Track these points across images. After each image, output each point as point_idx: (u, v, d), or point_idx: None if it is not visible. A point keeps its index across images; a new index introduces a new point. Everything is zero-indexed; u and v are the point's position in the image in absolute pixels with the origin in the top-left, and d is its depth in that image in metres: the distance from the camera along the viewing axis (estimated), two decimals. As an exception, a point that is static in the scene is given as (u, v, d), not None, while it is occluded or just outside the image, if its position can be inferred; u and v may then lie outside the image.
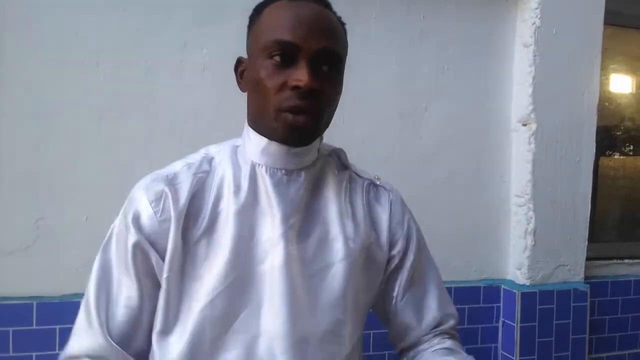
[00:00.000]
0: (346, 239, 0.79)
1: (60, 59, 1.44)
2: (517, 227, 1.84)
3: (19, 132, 1.42)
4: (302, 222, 0.78)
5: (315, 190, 0.81)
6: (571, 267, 1.86)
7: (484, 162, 1.83)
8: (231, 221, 0.75)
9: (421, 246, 0.91)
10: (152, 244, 0.74)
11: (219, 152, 0.82)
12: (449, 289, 1.75)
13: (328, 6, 0.79)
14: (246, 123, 0.81)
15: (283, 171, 0.78)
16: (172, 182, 0.76)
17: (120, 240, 0.76)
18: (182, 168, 0.79)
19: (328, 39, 0.73)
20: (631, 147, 2.29)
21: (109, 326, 0.74)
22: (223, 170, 0.79)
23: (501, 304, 1.84)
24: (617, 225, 2.27)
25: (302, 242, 0.77)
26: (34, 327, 1.41)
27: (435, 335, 0.89)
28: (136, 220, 0.75)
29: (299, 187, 0.78)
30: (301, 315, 0.75)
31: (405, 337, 0.89)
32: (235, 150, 0.81)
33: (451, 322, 0.91)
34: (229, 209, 0.75)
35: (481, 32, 1.81)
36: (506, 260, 1.87)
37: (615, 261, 2.02)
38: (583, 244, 1.87)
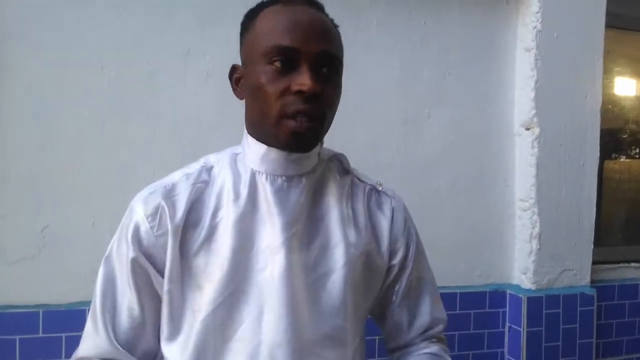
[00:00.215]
0: (347, 245, 0.79)
1: (64, 64, 1.45)
2: (522, 232, 1.83)
3: (23, 139, 1.44)
4: (304, 229, 0.77)
5: (316, 195, 0.81)
6: (577, 272, 1.85)
7: (487, 167, 1.83)
8: (230, 230, 0.75)
9: (420, 252, 0.91)
10: (150, 258, 0.75)
11: (219, 161, 0.81)
12: (454, 294, 1.77)
13: (321, 9, 0.78)
14: (245, 130, 0.80)
15: (283, 178, 0.77)
16: (169, 194, 0.76)
17: (121, 252, 0.77)
18: (181, 178, 0.79)
19: (326, 42, 0.73)
20: (637, 150, 2.28)
21: (115, 332, 0.76)
22: (223, 179, 0.78)
23: (507, 309, 1.83)
24: (623, 228, 2.25)
25: (304, 250, 0.76)
26: (40, 335, 1.41)
27: (423, 340, 0.89)
28: (134, 235, 0.75)
29: (299, 194, 0.78)
30: (302, 322, 0.75)
31: (395, 339, 0.91)
32: (235, 159, 0.81)
33: (440, 327, 0.91)
34: (228, 217, 0.75)
35: (483, 36, 1.82)
36: (511, 265, 1.86)
37: (621, 265, 2.01)
38: (589, 247, 1.86)
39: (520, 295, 1.77)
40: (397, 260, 0.86)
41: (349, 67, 1.70)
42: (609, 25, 1.88)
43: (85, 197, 1.47)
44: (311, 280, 0.76)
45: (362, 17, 1.68)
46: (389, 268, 0.86)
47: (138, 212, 0.76)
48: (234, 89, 0.81)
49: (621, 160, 2.26)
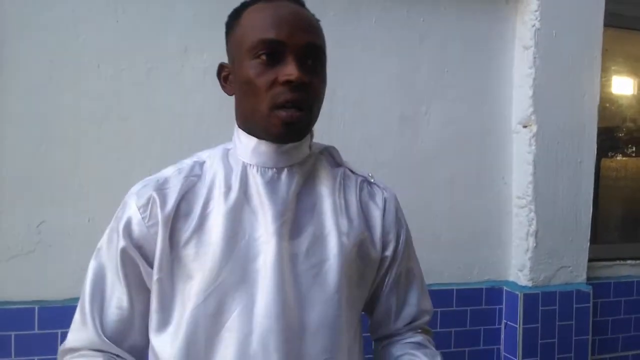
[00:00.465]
0: (340, 234, 0.80)
1: (61, 62, 1.44)
2: (519, 229, 1.84)
3: (20, 136, 1.43)
4: (295, 218, 0.79)
5: (308, 186, 0.82)
6: (573, 269, 1.85)
7: (484, 164, 1.83)
8: (221, 221, 0.76)
9: (409, 244, 0.92)
10: (140, 249, 0.77)
11: (210, 156, 0.83)
12: (450, 291, 1.78)
13: (302, 4, 0.82)
14: (236, 125, 0.83)
15: (274, 170, 0.79)
16: (161, 187, 0.78)
17: (112, 244, 0.79)
18: (173, 173, 0.81)
19: (310, 34, 0.76)
20: (633, 149, 2.28)
21: (103, 325, 0.78)
22: (214, 173, 0.80)
23: (503, 306, 1.83)
24: (620, 226, 2.27)
25: (296, 238, 0.77)
26: (36, 331, 1.41)
27: (409, 330, 0.91)
28: (126, 226, 0.77)
29: (290, 184, 0.79)
30: (294, 310, 0.76)
31: (381, 328, 0.92)
32: (226, 154, 0.83)
33: (425, 318, 0.93)
34: (219, 209, 0.77)
35: (481, 34, 1.81)
36: (508, 262, 1.87)
37: (617, 262, 2.02)
38: (585, 245, 1.87)
39: (517, 292, 1.78)
40: (389, 251, 0.87)
41: (347, 64, 1.72)
42: (608, 24, 1.89)
43: (81, 194, 1.46)
44: (304, 269, 0.77)
45: (360, 14, 1.67)
46: (382, 259, 0.87)
47: (130, 204, 0.78)
48: (222, 87, 0.83)
49: (618, 158, 2.27)
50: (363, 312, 0.92)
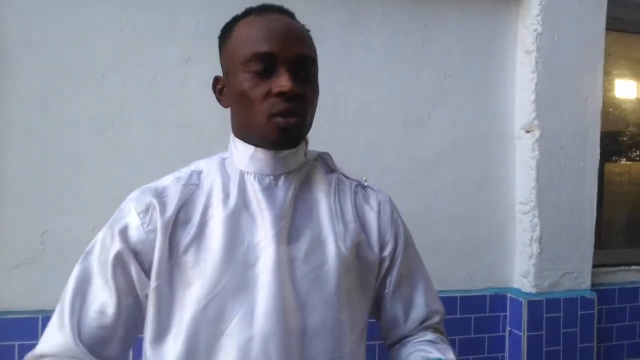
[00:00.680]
0: (337, 237, 0.81)
1: (65, 72, 1.45)
2: (523, 235, 1.83)
3: (24, 145, 1.43)
4: (293, 223, 0.80)
5: (304, 191, 0.84)
6: (578, 275, 1.84)
7: (487, 169, 1.83)
8: (220, 227, 0.77)
9: (408, 244, 0.92)
10: (137, 255, 0.76)
11: (207, 165, 0.84)
12: (454, 298, 1.77)
13: (292, 16, 0.83)
14: (232, 135, 0.84)
15: (271, 177, 0.80)
16: (160, 194, 0.79)
17: (104, 249, 0.78)
18: (172, 181, 0.81)
19: (301, 45, 0.78)
20: (637, 153, 2.27)
21: (80, 329, 0.74)
22: (212, 181, 0.81)
23: (507, 313, 1.82)
24: (624, 231, 2.25)
25: (294, 243, 0.78)
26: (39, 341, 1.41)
27: (420, 330, 0.91)
28: (124, 231, 0.77)
29: (287, 190, 0.80)
30: (294, 314, 0.76)
31: (393, 333, 0.92)
32: (223, 162, 0.84)
33: (437, 318, 0.93)
34: (218, 215, 0.77)
35: (483, 39, 1.81)
36: (512, 268, 1.86)
37: (622, 268, 2.01)
38: (589, 251, 1.86)
39: (521, 299, 1.77)
40: (387, 252, 0.88)
41: (349, 70, 1.72)
42: (610, 28, 1.88)
43: (84, 203, 1.46)
44: (303, 272, 0.78)
45: (363, 21, 1.68)
46: (381, 261, 0.87)
47: (129, 210, 0.78)
48: (218, 99, 0.86)
49: (622, 162, 2.26)
50: (373, 319, 0.92)
